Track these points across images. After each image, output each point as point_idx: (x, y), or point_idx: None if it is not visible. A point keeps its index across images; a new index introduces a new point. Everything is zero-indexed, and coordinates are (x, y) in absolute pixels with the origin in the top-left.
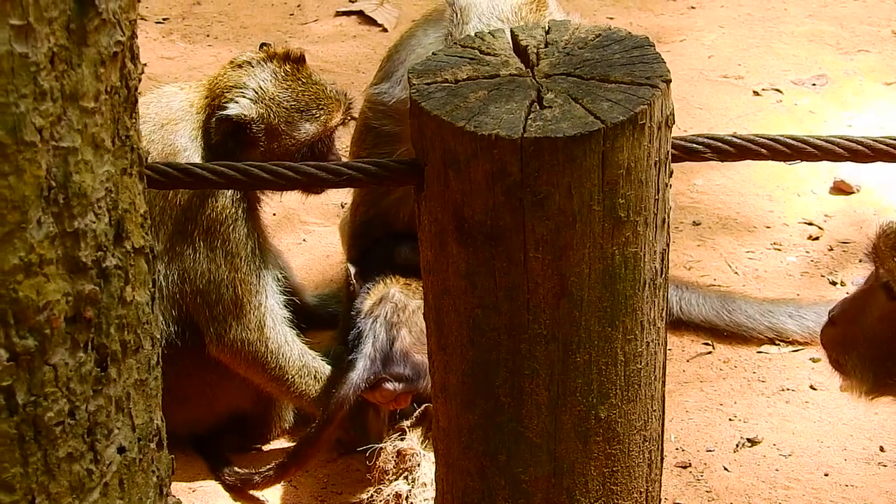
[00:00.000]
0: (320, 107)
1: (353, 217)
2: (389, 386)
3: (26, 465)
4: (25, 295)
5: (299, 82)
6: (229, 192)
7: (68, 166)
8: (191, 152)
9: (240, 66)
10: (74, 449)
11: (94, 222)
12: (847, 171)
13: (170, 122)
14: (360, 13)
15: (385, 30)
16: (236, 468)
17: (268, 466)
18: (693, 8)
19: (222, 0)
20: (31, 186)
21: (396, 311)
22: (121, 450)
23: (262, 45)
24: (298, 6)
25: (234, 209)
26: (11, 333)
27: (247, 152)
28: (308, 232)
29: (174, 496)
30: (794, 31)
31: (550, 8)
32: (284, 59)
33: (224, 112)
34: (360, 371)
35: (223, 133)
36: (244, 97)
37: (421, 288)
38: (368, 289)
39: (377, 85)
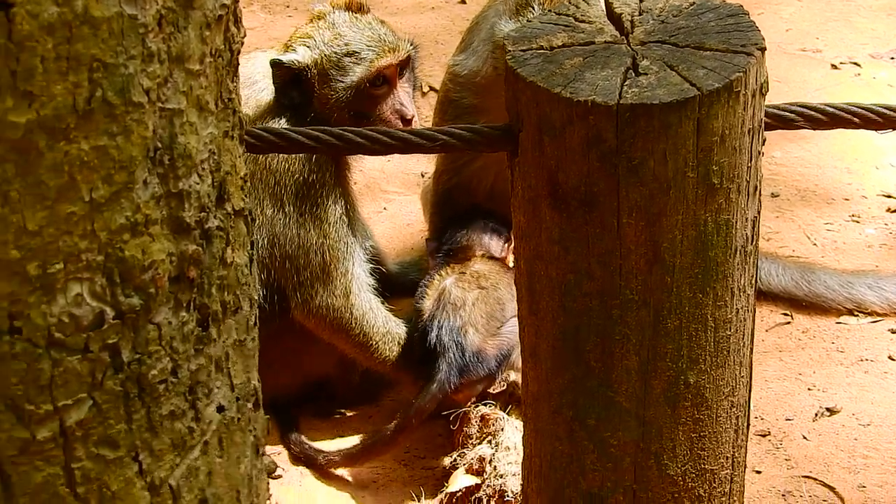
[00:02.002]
0: (370, 48)
1: (436, 186)
2: (470, 391)
3: (130, 421)
4: (131, 254)
5: (353, 28)
6: (320, 159)
7: (174, 128)
8: (271, 107)
9: (311, 21)
10: (176, 407)
11: (197, 184)
12: None
13: (255, 82)
14: None
15: (464, 2)
16: (304, 438)
17: (336, 450)
18: None
19: None
20: (138, 147)
21: (458, 313)
22: (220, 409)
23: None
24: None
25: (324, 175)
26: (117, 292)
27: (308, 100)
28: (389, 201)
29: (269, 456)
30: (871, 5)
31: None
32: (347, 8)
33: (278, 57)
34: (436, 387)
35: (282, 81)
36: (304, 46)
37: (475, 274)
38: (426, 284)
39: (456, 56)
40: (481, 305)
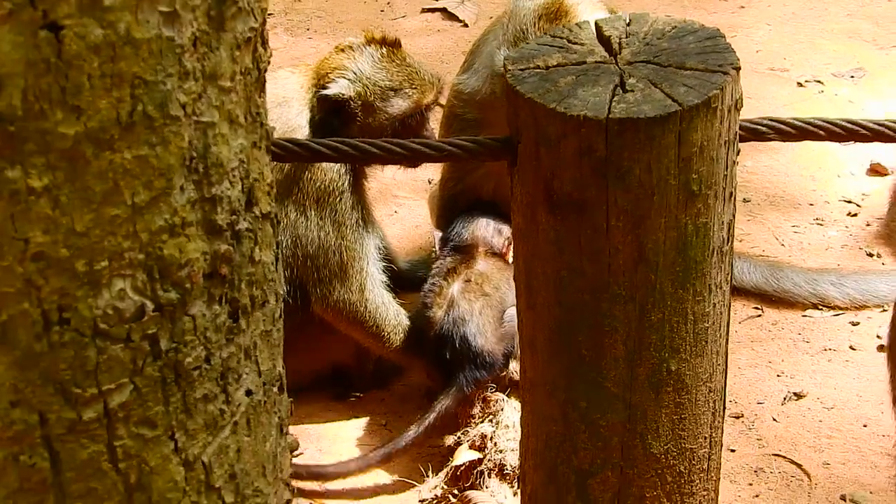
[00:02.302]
0: (413, 85)
1: (442, 191)
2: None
3: (167, 404)
4: (170, 253)
5: (394, 63)
6: (338, 168)
7: (207, 139)
8: (302, 128)
9: (342, 51)
10: (209, 391)
11: (228, 189)
12: (882, 154)
13: (284, 101)
14: (443, 10)
15: (466, 25)
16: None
17: (346, 459)
18: (742, 7)
19: None
20: (176, 156)
21: (467, 326)
22: (248, 392)
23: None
24: (388, 3)
25: (342, 183)
26: (157, 287)
27: (347, 127)
28: (399, 205)
29: (292, 435)
30: (834, 29)
31: (573, 16)
32: (381, 42)
33: (325, 92)
34: (455, 392)
35: (325, 110)
36: (344, 78)
37: (479, 278)
38: (433, 290)
39: (459, 76)
40: (487, 312)
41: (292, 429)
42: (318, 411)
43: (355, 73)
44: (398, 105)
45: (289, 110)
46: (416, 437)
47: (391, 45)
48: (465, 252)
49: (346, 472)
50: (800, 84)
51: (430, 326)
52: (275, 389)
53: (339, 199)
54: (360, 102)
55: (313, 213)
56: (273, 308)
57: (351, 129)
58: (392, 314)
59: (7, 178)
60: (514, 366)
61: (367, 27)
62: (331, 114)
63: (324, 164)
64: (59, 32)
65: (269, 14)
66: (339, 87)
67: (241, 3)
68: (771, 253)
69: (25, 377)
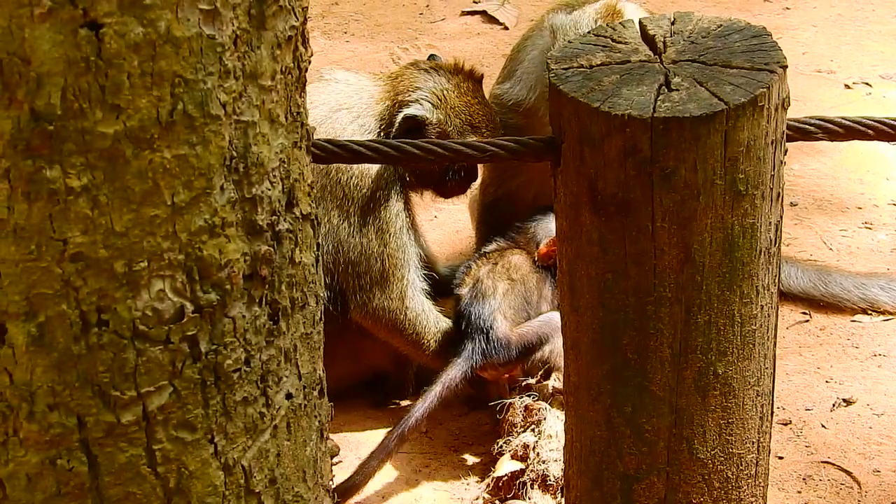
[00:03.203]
0: (488, 127)
1: (482, 197)
2: (493, 372)
3: (207, 407)
4: (209, 254)
5: (476, 101)
6: (385, 174)
7: (248, 138)
8: (371, 137)
9: (425, 71)
10: (249, 394)
11: (269, 190)
12: None
13: (354, 108)
14: (483, 13)
15: (506, 28)
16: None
17: (366, 458)
18: (788, 9)
19: (358, 0)
20: (216, 156)
21: (487, 301)
22: (288, 396)
23: (431, 56)
24: (427, 6)
25: (388, 190)
26: (196, 288)
27: None
28: (440, 210)
29: (332, 440)
30: (881, 30)
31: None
32: (468, 75)
33: (409, 111)
34: (461, 362)
35: (404, 129)
36: (428, 101)
37: (507, 265)
38: (464, 272)
39: (500, 84)
40: (510, 296)
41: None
42: (356, 419)
43: (439, 99)
44: (469, 138)
45: (357, 117)
46: (425, 411)
47: (476, 81)
48: (519, 240)
49: (371, 472)
50: (847, 86)
51: (456, 303)
52: (315, 393)
53: (384, 206)
54: (437, 129)
55: (357, 218)
56: (313, 310)
57: None
58: (432, 321)
59: (46, 178)
60: (557, 374)
61: (406, 31)
62: (405, 132)
63: (370, 170)
64: (99, 31)
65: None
66: (423, 110)
67: (282, 2)
68: (818, 257)
69: (63, 380)
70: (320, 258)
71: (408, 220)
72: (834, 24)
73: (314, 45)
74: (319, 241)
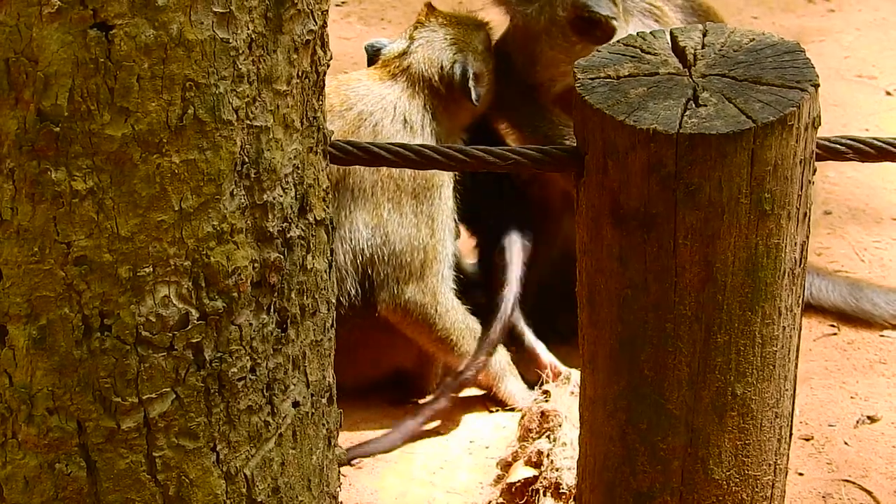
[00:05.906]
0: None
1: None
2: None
3: (210, 415)
4: (217, 261)
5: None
6: None
7: (260, 144)
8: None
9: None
10: (254, 402)
11: (281, 196)
12: None
13: (371, 117)
14: None
15: None
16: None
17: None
18: (832, 11)
19: None
20: (226, 161)
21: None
22: (295, 404)
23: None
24: None
25: (442, 176)
26: (202, 295)
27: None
28: None
29: (341, 447)
30: None
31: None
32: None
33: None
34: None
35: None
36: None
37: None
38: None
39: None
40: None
41: (348, 434)
42: (375, 416)
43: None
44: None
45: (373, 122)
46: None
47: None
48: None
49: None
50: (888, 93)
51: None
52: (324, 401)
53: (438, 193)
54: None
55: (409, 208)
56: (324, 317)
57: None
58: (461, 318)
59: (51, 180)
60: (576, 378)
61: None
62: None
63: None
64: (109, 32)
65: (343, 2)
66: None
67: (300, 5)
68: (850, 268)
69: (64, 384)
70: (333, 263)
71: (454, 214)
72: (878, 27)
73: (350, 31)
74: (368, 233)
